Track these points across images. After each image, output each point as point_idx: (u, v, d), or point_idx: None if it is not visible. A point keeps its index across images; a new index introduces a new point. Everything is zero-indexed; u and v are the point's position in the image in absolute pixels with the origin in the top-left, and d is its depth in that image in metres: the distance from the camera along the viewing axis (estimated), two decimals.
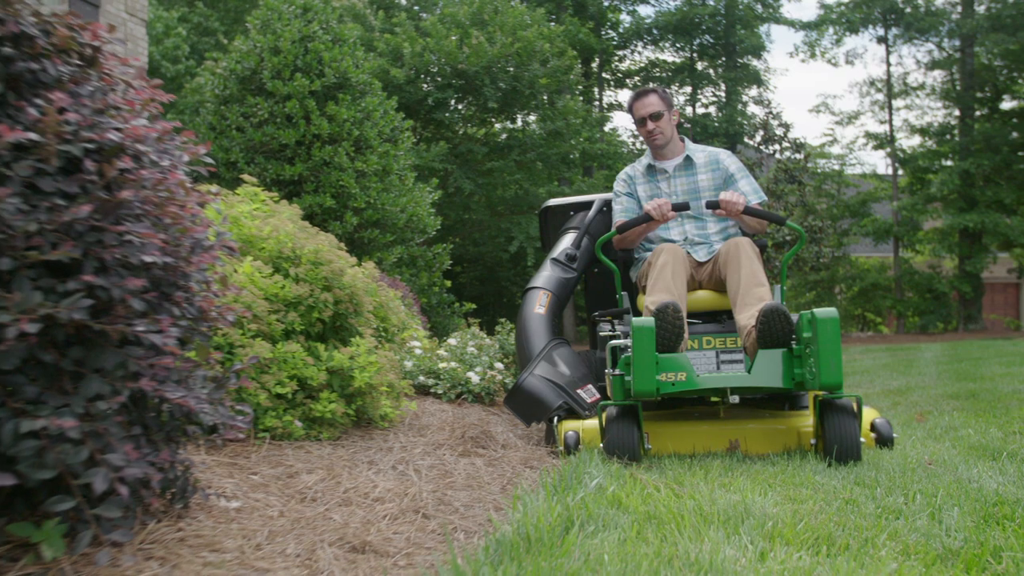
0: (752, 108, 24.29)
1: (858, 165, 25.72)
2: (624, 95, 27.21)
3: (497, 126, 19.19)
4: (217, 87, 10.43)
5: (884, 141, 24.00)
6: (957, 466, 2.96)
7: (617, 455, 3.07)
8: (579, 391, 3.78)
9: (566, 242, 4.40)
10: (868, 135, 24.17)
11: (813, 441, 3.25)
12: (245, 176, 3.67)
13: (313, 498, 2.34)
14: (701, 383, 3.08)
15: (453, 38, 16.43)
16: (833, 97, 45.74)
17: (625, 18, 24.42)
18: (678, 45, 24.74)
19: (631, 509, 2.08)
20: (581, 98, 21.42)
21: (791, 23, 24.42)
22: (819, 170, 24.20)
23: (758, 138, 21.96)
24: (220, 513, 2.00)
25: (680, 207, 3.71)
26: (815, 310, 2.98)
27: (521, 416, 3.82)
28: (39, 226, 1.33)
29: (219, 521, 1.92)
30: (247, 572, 1.59)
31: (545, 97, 18.62)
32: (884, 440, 3.38)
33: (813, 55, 24.32)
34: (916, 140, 24.27)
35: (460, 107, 17.94)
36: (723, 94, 24.79)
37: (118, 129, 1.53)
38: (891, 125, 23.99)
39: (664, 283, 3.50)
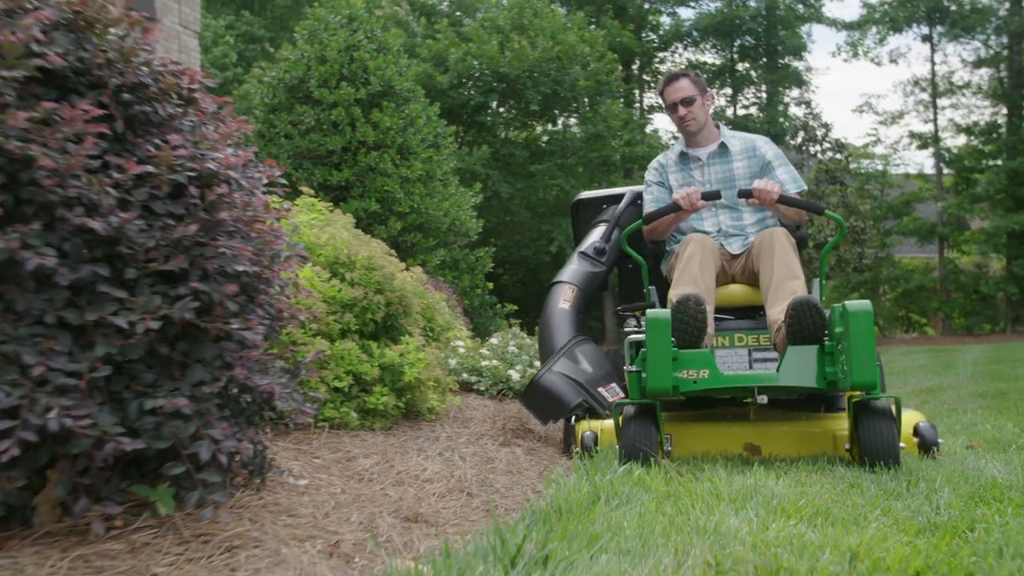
0: (793, 109, 24.23)
1: (902, 165, 25.51)
2: None
3: (538, 129, 19.47)
4: (266, 96, 10.84)
5: (929, 140, 23.79)
6: (966, 457, 3.16)
7: (633, 457, 2.88)
8: (601, 389, 3.64)
9: (595, 235, 4.25)
10: (912, 135, 23.98)
11: (848, 446, 3.02)
12: (303, 188, 3.99)
13: (370, 479, 2.62)
14: (725, 381, 2.91)
15: (495, 43, 16.72)
16: (876, 96, 45.19)
17: (665, 20, 24.54)
18: (719, 46, 24.77)
19: (653, 489, 2.32)
20: (622, 101, 21.60)
21: (833, 22, 24.31)
22: (862, 170, 24.07)
23: (799, 139, 21.96)
24: (291, 488, 2.29)
25: (710, 196, 3.52)
26: (847, 303, 2.76)
27: (537, 414, 3.71)
28: (155, 242, 1.62)
29: (291, 494, 2.21)
30: (320, 532, 1.88)
31: (586, 99, 18.82)
32: (928, 445, 3.14)
33: (856, 54, 24.19)
34: (962, 139, 24.02)
35: (502, 110, 18.27)
36: (764, 95, 24.77)
37: (214, 159, 1.83)
38: (936, 124, 23.76)
39: (690, 275, 3.33)
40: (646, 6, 23.82)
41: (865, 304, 2.74)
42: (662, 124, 25.97)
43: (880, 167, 24.76)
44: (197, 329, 1.70)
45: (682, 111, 3.75)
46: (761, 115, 24.16)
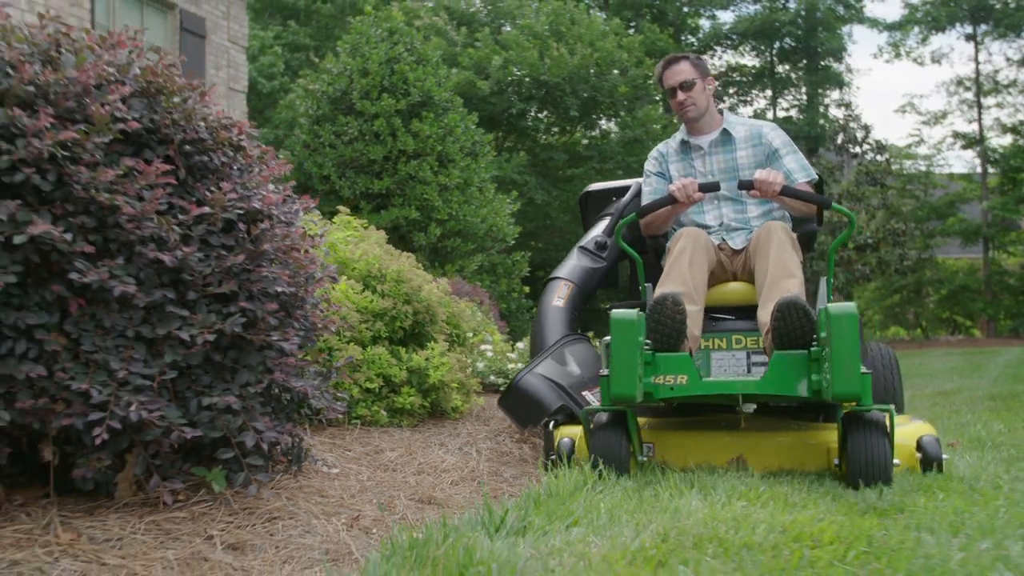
0: (833, 111, 24.20)
1: (945, 165, 25.29)
2: None
3: (577, 133, 19.77)
4: (311, 107, 11.33)
5: (973, 140, 23.59)
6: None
7: (603, 466, 2.73)
8: (587, 393, 3.45)
9: (598, 229, 4.02)
10: (956, 135, 23.80)
11: (836, 461, 2.84)
12: (340, 208, 4.38)
13: (393, 468, 2.99)
14: (704, 388, 2.74)
15: (534, 51, 17.06)
16: (919, 97, 44.69)
17: (704, 23, 24.68)
18: (758, 49, 24.83)
19: (635, 479, 2.66)
20: (661, 107, 21.74)
21: (874, 23, 24.23)
22: (904, 171, 23.94)
23: (839, 140, 21.94)
24: (324, 475, 2.67)
25: (708, 188, 3.29)
26: (830, 305, 2.55)
27: (515, 418, 3.55)
28: (211, 270, 2.01)
29: (324, 479, 2.59)
30: (345, 509, 2.25)
31: (625, 103, 19.06)
32: (931, 461, 2.86)
33: (898, 55, 24.10)
34: (1008, 139, 23.76)
35: (542, 116, 18.62)
36: (804, 97, 24.77)
37: (259, 197, 2.21)
38: (980, 124, 23.56)
39: (679, 272, 3.13)
40: (685, 9, 23.98)
41: (848, 307, 2.52)
42: None
43: (923, 168, 24.61)
44: (244, 340, 2.09)
45: (681, 96, 3.53)
46: (801, 117, 24.16)
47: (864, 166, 20.82)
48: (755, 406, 2.83)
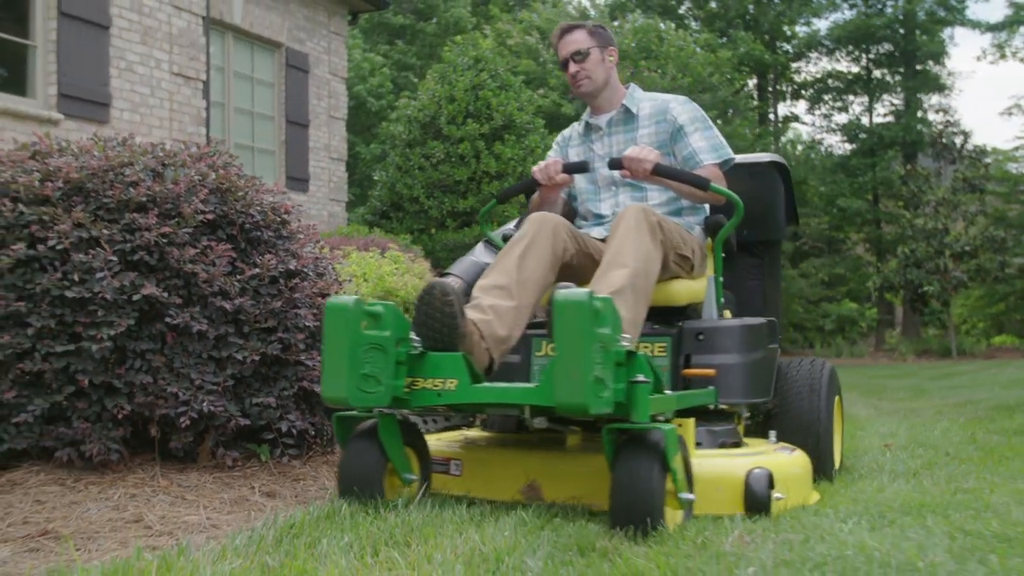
0: (932, 115, 23.86)
1: None
2: (800, 107, 27.31)
3: None
4: (403, 132, 12.47)
5: None
6: (867, 449, 4.12)
7: (348, 491, 2.45)
8: None
9: (515, 222, 3.60)
10: None
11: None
12: (391, 244, 5.38)
13: None
14: (476, 396, 2.28)
15: (627, 71, 17.77)
16: None
17: (800, 29, 24.74)
18: (855, 54, 24.71)
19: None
20: (757, 117, 22.06)
21: (977, 24, 23.75)
22: (1011, 175, 23.37)
23: (936, 147, 21.70)
24: None
25: (574, 168, 3.02)
26: (555, 292, 2.09)
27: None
28: (260, 312, 3.00)
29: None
30: None
31: (715, 116, 19.52)
32: (754, 503, 2.42)
33: (1003, 56, 23.54)
34: None
35: None
36: (901, 102, 24.50)
37: (296, 256, 3.20)
38: None
39: (505, 263, 2.68)
40: (780, 17, 24.15)
41: (577, 294, 2.05)
42: (798, 132, 26.07)
43: None
44: (281, 359, 3.08)
45: (573, 67, 3.18)
46: (898, 123, 23.95)
47: (961, 172, 20.57)
48: (544, 420, 2.37)
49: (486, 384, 2.34)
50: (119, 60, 7.67)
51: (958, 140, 21.46)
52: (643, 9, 22.80)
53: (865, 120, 24.72)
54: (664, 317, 2.97)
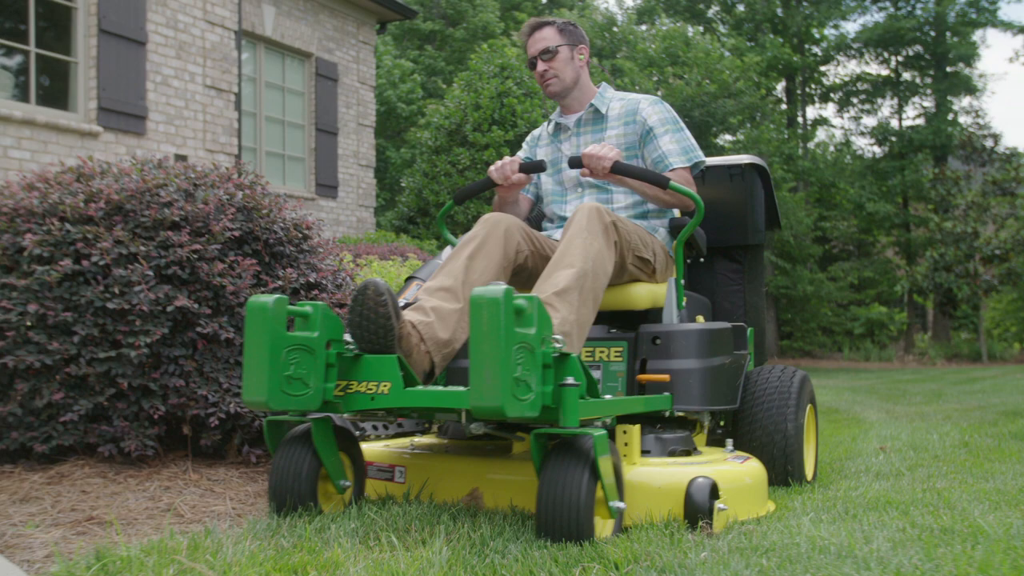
0: (962, 118, 23.69)
1: None
2: (829, 110, 27.06)
3: None
4: (429, 139, 12.75)
5: None
6: (861, 452, 4.31)
7: (280, 501, 2.39)
8: None
9: None
10: None
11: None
12: (410, 253, 5.65)
13: None
14: (410, 400, 2.18)
15: (646, 77, 17.91)
16: None
17: (829, 32, 24.70)
18: (883, 56, 24.61)
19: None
20: (785, 120, 22.04)
21: (1009, 26, 23.56)
22: None
23: (968, 149, 21.58)
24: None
25: (531, 167, 2.94)
26: (475, 288, 1.98)
27: None
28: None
29: None
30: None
31: (743, 125, 19.56)
32: (694, 512, 2.29)
33: None
34: None
35: None
36: (931, 105, 24.36)
37: (316, 269, 3.47)
38: None
39: (452, 268, 2.60)
40: (808, 20, 24.13)
41: (493, 291, 1.94)
42: (825, 135, 26.03)
43: None
44: None
45: (541, 66, 3.14)
46: (928, 126, 23.83)
47: (991, 175, 20.46)
48: (482, 425, 2.28)
49: (420, 388, 2.23)
50: (155, 74, 8.04)
51: (989, 142, 21.32)
52: (671, 14, 22.93)
53: (894, 123, 24.63)
54: (624, 321, 2.91)
